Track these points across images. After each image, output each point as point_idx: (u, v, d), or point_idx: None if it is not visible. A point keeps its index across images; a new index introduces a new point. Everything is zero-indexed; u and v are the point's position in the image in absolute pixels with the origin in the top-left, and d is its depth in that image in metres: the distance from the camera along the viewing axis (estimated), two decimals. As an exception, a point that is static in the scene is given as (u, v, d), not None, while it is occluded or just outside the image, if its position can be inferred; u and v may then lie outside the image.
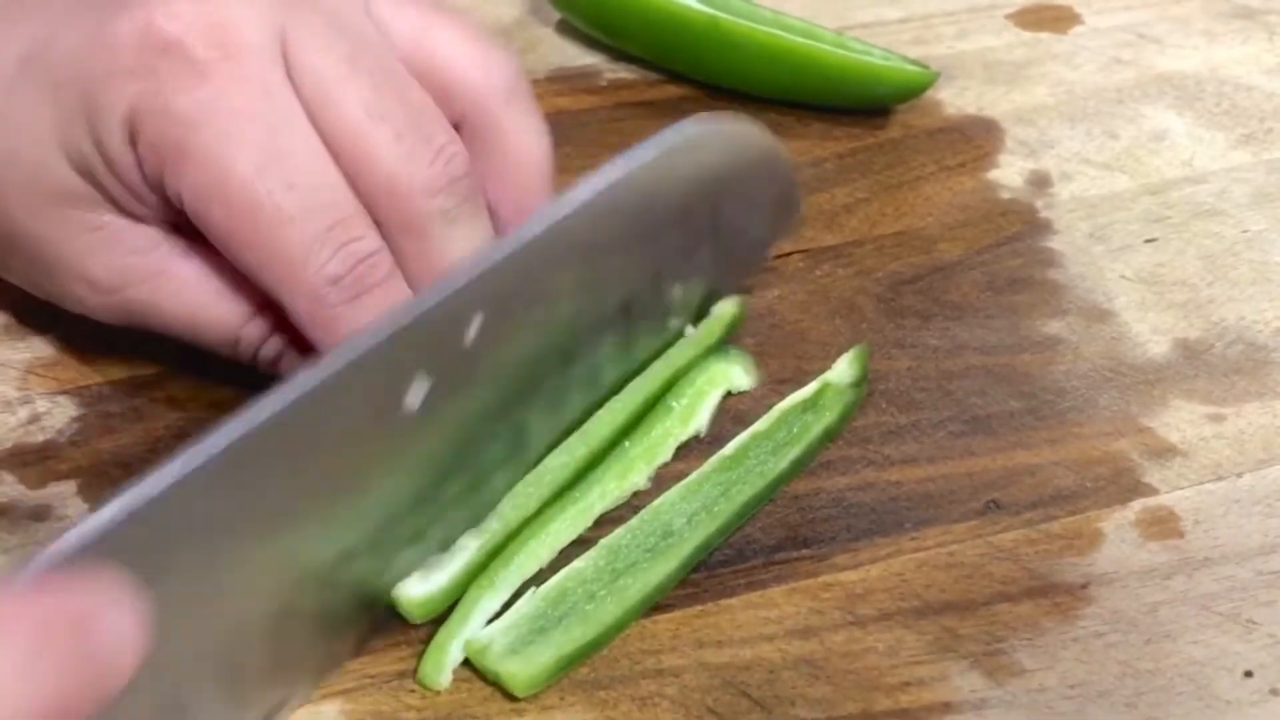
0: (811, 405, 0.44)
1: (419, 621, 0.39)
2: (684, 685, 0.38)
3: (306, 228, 0.39)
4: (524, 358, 0.40)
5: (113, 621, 0.29)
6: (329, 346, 0.39)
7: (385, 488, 0.38)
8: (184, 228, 0.42)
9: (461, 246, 0.41)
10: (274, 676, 0.37)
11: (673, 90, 0.58)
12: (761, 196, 0.48)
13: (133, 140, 0.39)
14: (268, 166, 0.38)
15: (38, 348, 0.46)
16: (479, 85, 0.42)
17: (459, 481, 0.40)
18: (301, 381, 0.35)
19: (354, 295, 0.39)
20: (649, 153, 0.42)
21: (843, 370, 0.45)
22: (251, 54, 0.39)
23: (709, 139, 0.44)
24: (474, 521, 0.40)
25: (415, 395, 0.37)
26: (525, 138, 0.43)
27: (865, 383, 0.46)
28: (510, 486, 0.41)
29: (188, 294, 0.42)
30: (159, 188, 0.40)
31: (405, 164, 0.40)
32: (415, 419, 0.37)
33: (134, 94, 0.39)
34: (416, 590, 0.39)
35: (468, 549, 0.40)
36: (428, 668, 0.38)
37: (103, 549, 0.31)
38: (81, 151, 0.40)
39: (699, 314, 0.47)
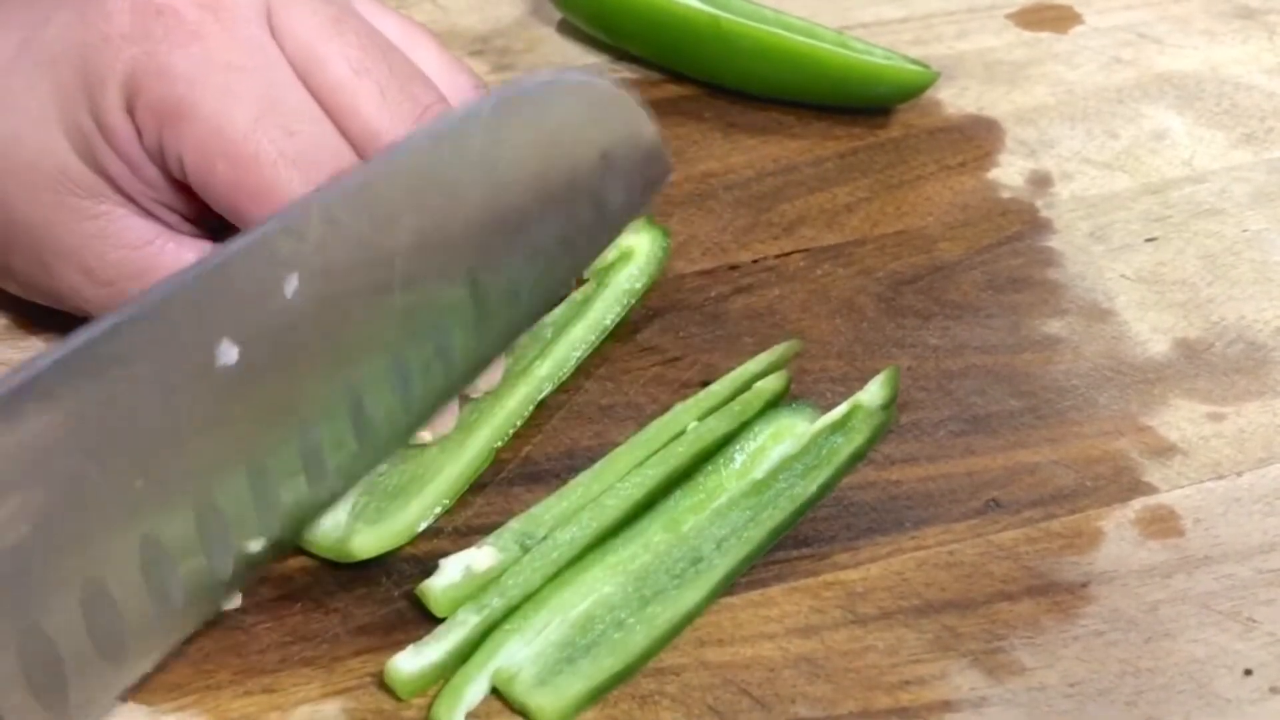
0: (841, 427, 0.44)
1: (406, 698, 0.37)
2: (684, 684, 0.38)
3: (310, 173, 0.39)
4: (355, 320, 0.38)
5: None
6: None
7: (203, 445, 0.35)
8: (179, 225, 0.42)
9: None
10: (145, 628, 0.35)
11: (673, 90, 0.58)
12: (623, 159, 0.43)
13: (130, 108, 0.40)
14: (266, 115, 0.39)
15: (38, 348, 0.46)
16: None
17: (288, 453, 0.37)
18: (88, 333, 0.33)
19: None
20: (483, 108, 0.41)
21: (874, 392, 0.45)
22: (239, 13, 0.40)
23: (558, 94, 0.42)
24: (310, 509, 0.38)
25: (228, 354, 0.35)
26: None
27: (895, 405, 0.45)
28: (346, 471, 0.38)
29: None
30: (158, 156, 0.40)
31: (390, 118, 0.41)
32: (228, 376, 0.35)
33: (129, 58, 0.40)
34: (407, 666, 0.37)
35: (466, 624, 0.38)
36: (441, 709, 0.37)
37: None
38: (80, 127, 0.40)
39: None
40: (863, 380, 0.46)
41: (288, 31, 0.41)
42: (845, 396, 0.45)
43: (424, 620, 0.39)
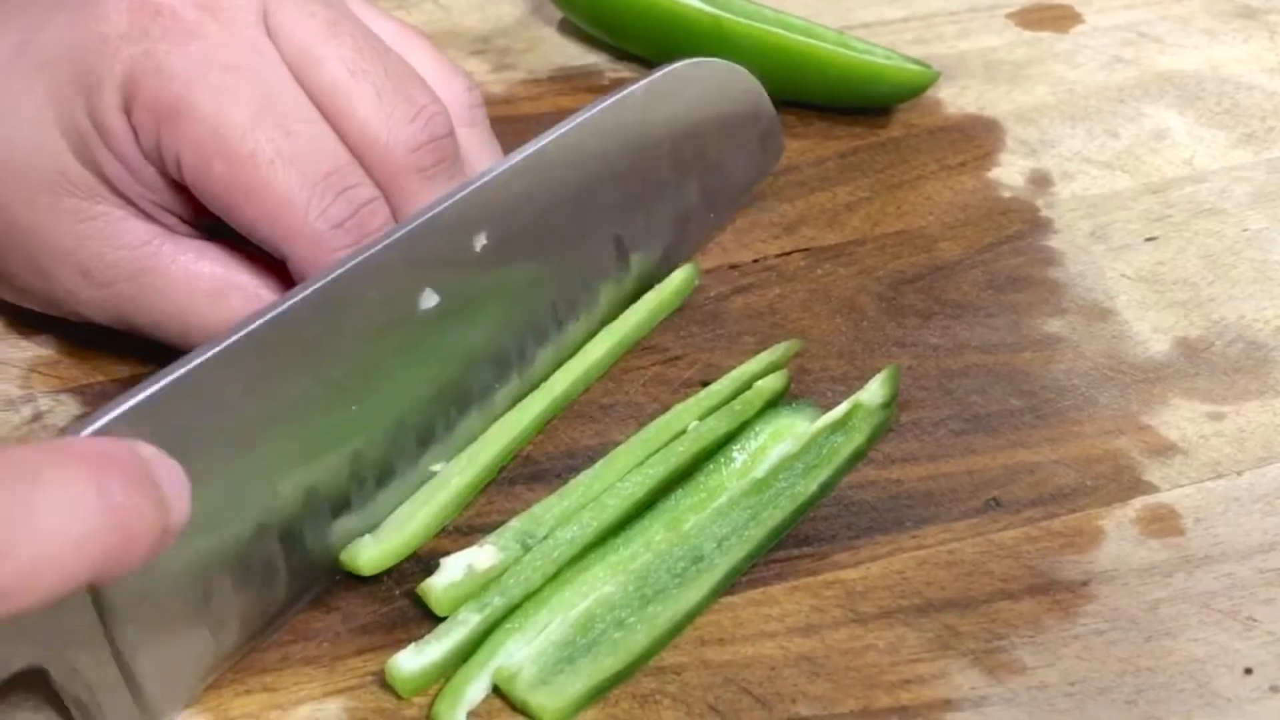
0: (841, 426, 0.44)
1: (406, 697, 0.37)
2: (685, 683, 0.38)
3: (306, 172, 0.40)
4: (526, 275, 0.44)
5: (166, 468, 0.31)
6: None
7: (396, 387, 0.40)
8: (176, 226, 0.42)
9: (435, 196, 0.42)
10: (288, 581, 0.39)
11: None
12: (746, 134, 0.51)
13: (127, 109, 0.40)
14: (263, 114, 0.40)
15: (40, 347, 0.46)
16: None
17: (456, 393, 0.42)
18: (321, 280, 0.38)
19: (355, 240, 0.40)
20: (637, 91, 0.46)
21: (874, 391, 0.45)
22: (237, 14, 0.41)
23: (695, 78, 0.48)
24: (452, 452, 0.42)
25: (428, 301, 0.40)
26: (480, 159, 0.44)
27: (895, 404, 0.45)
28: (500, 410, 0.44)
29: (174, 293, 0.42)
30: (156, 156, 0.40)
31: (385, 120, 0.41)
32: (426, 322, 0.40)
33: (127, 58, 0.40)
34: (408, 664, 0.37)
35: (467, 623, 0.38)
36: (443, 708, 0.37)
37: (136, 425, 0.33)
38: (78, 128, 0.40)
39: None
40: (863, 379, 0.46)
41: (284, 33, 0.41)
42: (846, 396, 0.45)
43: (425, 619, 0.39)
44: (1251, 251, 0.53)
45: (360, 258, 0.39)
